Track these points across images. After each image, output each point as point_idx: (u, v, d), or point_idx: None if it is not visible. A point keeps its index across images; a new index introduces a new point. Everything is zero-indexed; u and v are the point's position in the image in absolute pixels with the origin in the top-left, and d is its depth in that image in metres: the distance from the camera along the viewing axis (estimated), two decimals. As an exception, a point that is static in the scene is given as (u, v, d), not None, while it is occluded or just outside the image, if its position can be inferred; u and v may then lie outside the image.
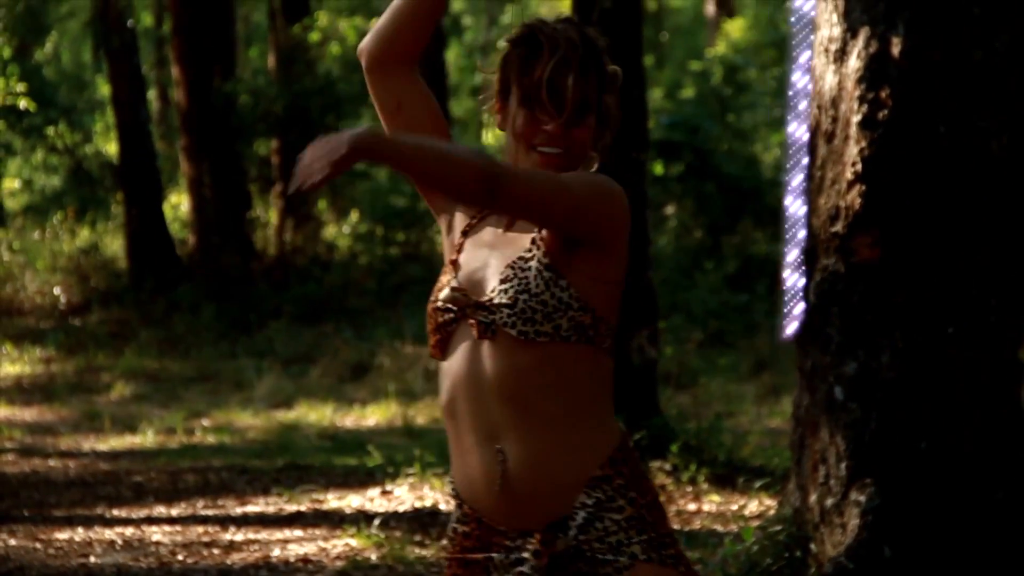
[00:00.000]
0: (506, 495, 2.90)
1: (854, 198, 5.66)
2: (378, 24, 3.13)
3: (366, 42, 3.14)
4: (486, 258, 3.00)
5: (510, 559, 2.92)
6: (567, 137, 2.97)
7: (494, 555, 2.95)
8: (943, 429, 5.54)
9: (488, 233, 3.04)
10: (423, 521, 8.06)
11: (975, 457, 5.54)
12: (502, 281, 2.93)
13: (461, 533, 2.99)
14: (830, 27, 5.78)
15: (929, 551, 5.46)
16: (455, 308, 2.96)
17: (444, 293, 2.98)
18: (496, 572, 2.95)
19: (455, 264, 3.03)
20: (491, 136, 32.97)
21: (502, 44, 3.06)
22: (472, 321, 2.94)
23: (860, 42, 5.67)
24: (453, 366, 2.97)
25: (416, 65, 3.15)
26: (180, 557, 7.43)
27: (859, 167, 5.65)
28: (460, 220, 3.09)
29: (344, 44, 21.04)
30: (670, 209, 18.60)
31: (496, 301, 2.91)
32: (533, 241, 2.96)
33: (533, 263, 2.92)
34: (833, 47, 5.76)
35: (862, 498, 5.54)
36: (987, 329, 5.58)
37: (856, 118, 5.66)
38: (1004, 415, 5.59)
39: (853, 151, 5.67)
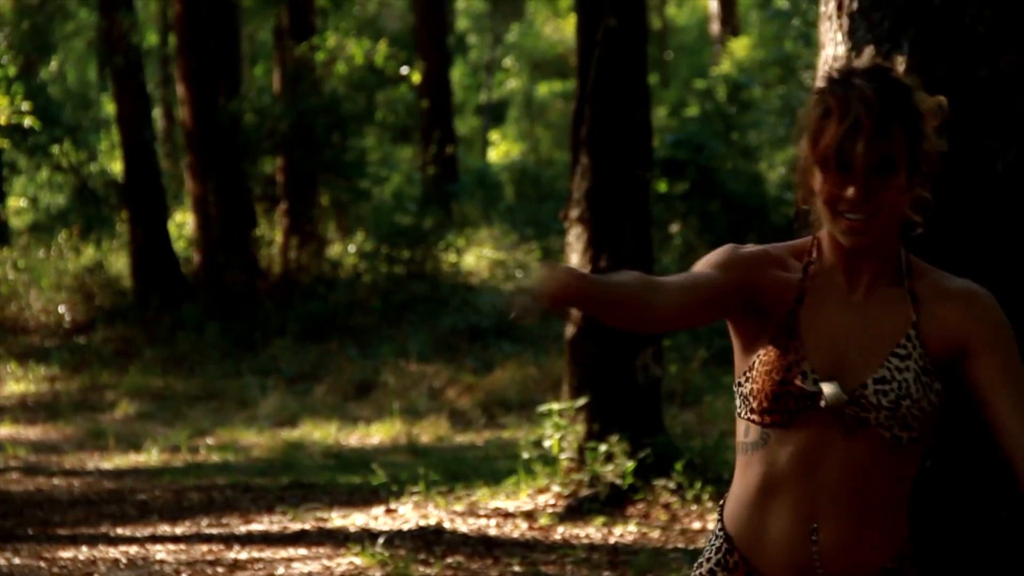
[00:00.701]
0: (803, 570, 2.85)
1: (859, 216, 5.66)
2: (630, 318, 2.75)
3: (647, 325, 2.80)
4: (844, 337, 2.83)
5: None
6: (873, 201, 2.78)
7: None
8: (949, 448, 5.54)
9: (836, 303, 2.86)
10: (427, 539, 8.05)
11: (981, 476, 5.54)
12: (879, 381, 2.78)
13: None
14: (835, 46, 5.78)
15: (935, 570, 5.46)
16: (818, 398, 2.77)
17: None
18: None
19: (797, 339, 2.83)
20: (496, 154, 32.95)
21: (810, 97, 2.90)
22: (840, 414, 2.78)
23: (865, 61, 5.67)
24: (792, 446, 2.81)
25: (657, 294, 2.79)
26: None
27: (864, 185, 5.65)
28: (785, 285, 2.86)
29: (350, 63, 21.06)
30: (675, 227, 18.62)
31: (874, 401, 2.78)
32: (908, 337, 2.82)
33: (911, 363, 2.80)
34: (838, 66, 5.77)
35: (867, 517, 5.53)
36: (992, 348, 5.58)
37: (861, 136, 5.67)
38: (1009, 434, 5.59)
39: (858, 169, 5.67)
